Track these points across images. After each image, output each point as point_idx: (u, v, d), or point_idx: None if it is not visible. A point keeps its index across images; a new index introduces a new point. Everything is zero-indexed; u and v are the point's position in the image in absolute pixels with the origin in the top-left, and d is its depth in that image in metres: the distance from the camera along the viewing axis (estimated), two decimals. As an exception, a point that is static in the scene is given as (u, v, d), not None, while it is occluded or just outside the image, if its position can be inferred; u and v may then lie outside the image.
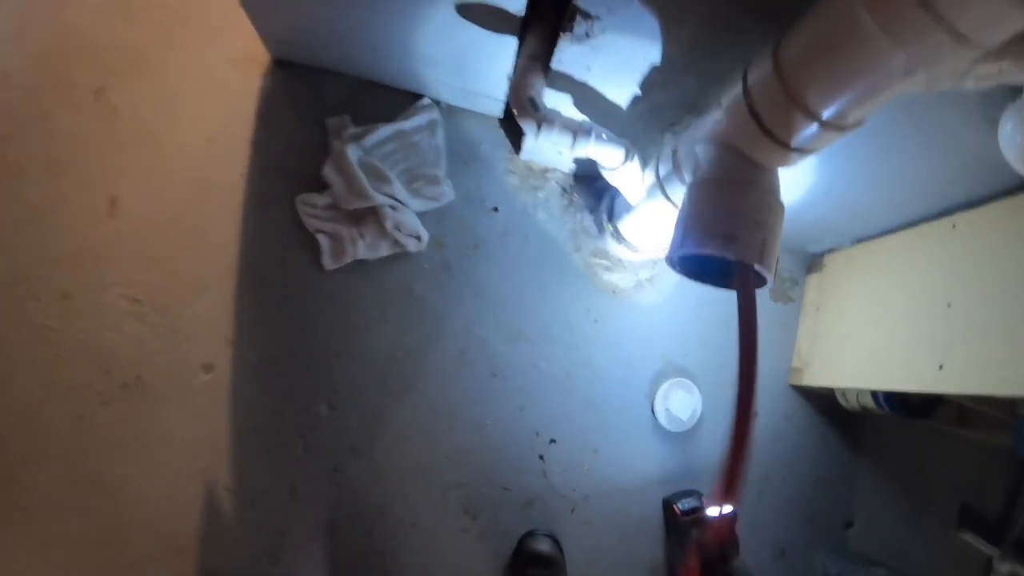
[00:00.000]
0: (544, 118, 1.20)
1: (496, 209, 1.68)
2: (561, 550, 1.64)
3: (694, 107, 1.28)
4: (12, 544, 1.41)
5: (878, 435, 1.97)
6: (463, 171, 1.67)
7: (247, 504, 1.51)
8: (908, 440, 1.99)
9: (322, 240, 1.55)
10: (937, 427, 1.76)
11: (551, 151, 1.62)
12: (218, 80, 1.58)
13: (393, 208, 1.54)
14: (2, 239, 1.46)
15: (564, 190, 1.73)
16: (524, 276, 1.69)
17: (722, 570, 1.03)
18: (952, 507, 2.03)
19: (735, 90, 0.96)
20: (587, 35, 1.10)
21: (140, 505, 1.47)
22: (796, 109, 0.85)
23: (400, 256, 1.60)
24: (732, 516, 1.05)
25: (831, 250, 1.87)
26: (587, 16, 1.07)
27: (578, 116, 1.35)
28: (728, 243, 0.93)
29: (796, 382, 1.86)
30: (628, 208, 1.50)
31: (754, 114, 0.91)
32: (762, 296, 1.88)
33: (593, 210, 1.73)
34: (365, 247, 1.55)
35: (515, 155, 1.69)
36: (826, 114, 0.84)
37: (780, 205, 0.99)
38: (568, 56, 1.19)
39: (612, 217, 1.64)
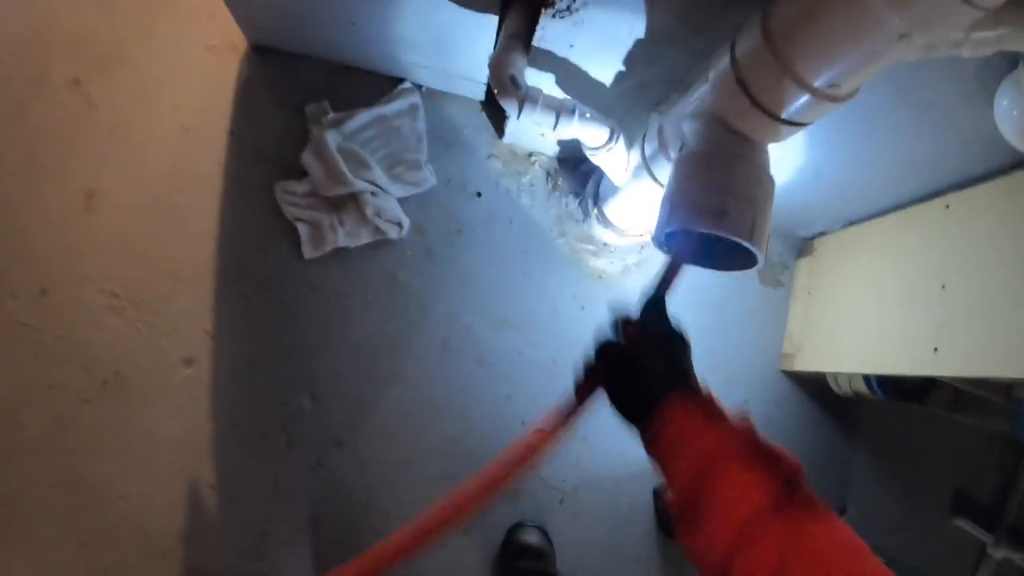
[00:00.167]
0: (526, 97, 1.17)
1: (479, 194, 1.67)
2: (550, 541, 1.63)
3: (680, 84, 1.26)
4: (-4, 546, 1.40)
5: (872, 420, 1.97)
6: (445, 156, 1.65)
7: (230, 501, 1.50)
8: (902, 425, 1.99)
9: (302, 228, 1.53)
10: (931, 412, 1.75)
11: (534, 134, 1.60)
12: (195, 68, 1.56)
13: (374, 194, 1.52)
14: (-26, 233, 1.43)
15: (549, 174, 1.71)
16: (509, 262, 1.67)
17: None
18: (946, 493, 2.03)
19: (723, 61, 0.93)
20: (569, 9, 1.07)
21: (123, 504, 1.45)
22: (787, 78, 0.82)
23: (381, 243, 1.58)
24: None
25: (822, 234, 1.86)
26: (567, -11, 1.04)
27: (561, 95, 1.32)
28: (718, 219, 0.90)
29: (787, 367, 1.85)
30: (614, 190, 1.47)
31: (743, 85, 0.88)
32: (752, 281, 1.88)
33: (578, 194, 1.71)
34: (345, 235, 1.53)
35: (498, 139, 1.68)
36: (818, 83, 0.81)
37: (771, 181, 0.96)
38: (550, 33, 1.16)
39: (598, 200, 1.61)
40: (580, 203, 1.71)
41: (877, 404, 1.86)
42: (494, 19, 1.24)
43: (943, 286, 1.38)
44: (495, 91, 1.19)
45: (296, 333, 1.55)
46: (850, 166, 1.47)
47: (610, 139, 1.28)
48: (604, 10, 1.08)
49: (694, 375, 0.89)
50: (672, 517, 0.77)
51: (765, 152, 0.96)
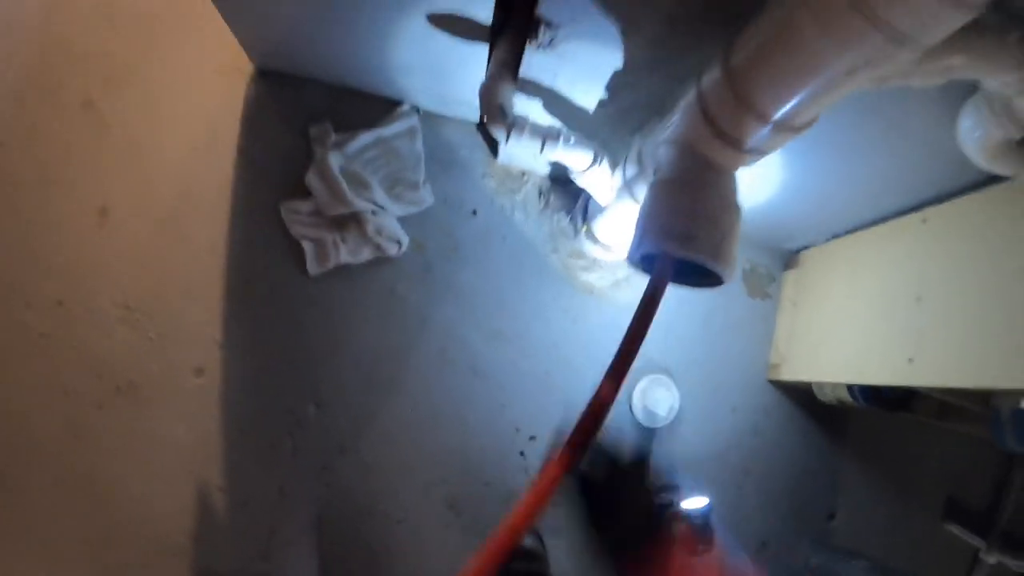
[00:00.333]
0: (513, 124, 1.23)
1: (475, 212, 1.72)
2: (544, 544, 1.66)
3: (660, 109, 1.31)
4: (8, 547, 1.44)
5: (860, 428, 2.00)
6: (442, 175, 1.70)
7: (238, 504, 1.54)
8: (892, 432, 2.01)
9: (306, 246, 1.58)
10: (919, 419, 1.78)
11: (527, 154, 1.66)
12: (203, 90, 1.61)
13: (374, 213, 1.57)
14: (-7, 247, 1.48)
15: (541, 192, 1.76)
16: (503, 277, 1.72)
17: None
18: (937, 499, 2.04)
19: (691, 94, 0.99)
20: (551, 43, 1.13)
21: (134, 507, 1.49)
22: (746, 112, 0.87)
23: (382, 260, 1.63)
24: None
25: (807, 247, 1.89)
26: (551, 25, 1.10)
27: (548, 120, 1.38)
28: (684, 242, 0.96)
29: (774, 377, 1.89)
30: (600, 209, 1.53)
31: (708, 117, 0.93)
32: (739, 293, 1.92)
33: (569, 211, 1.76)
34: (348, 252, 1.58)
35: (493, 159, 1.73)
36: (775, 115, 0.87)
37: (737, 206, 1.01)
38: (535, 63, 1.22)
39: (586, 218, 1.67)
40: (571, 220, 1.75)
41: (865, 411, 1.89)
42: (484, 48, 1.29)
43: (919, 298, 1.41)
44: (485, 118, 1.25)
45: (301, 344, 1.59)
46: (829, 183, 1.51)
47: (593, 162, 1.34)
48: (584, 43, 1.14)
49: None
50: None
51: (732, 178, 1.02)
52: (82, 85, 1.57)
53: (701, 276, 1.02)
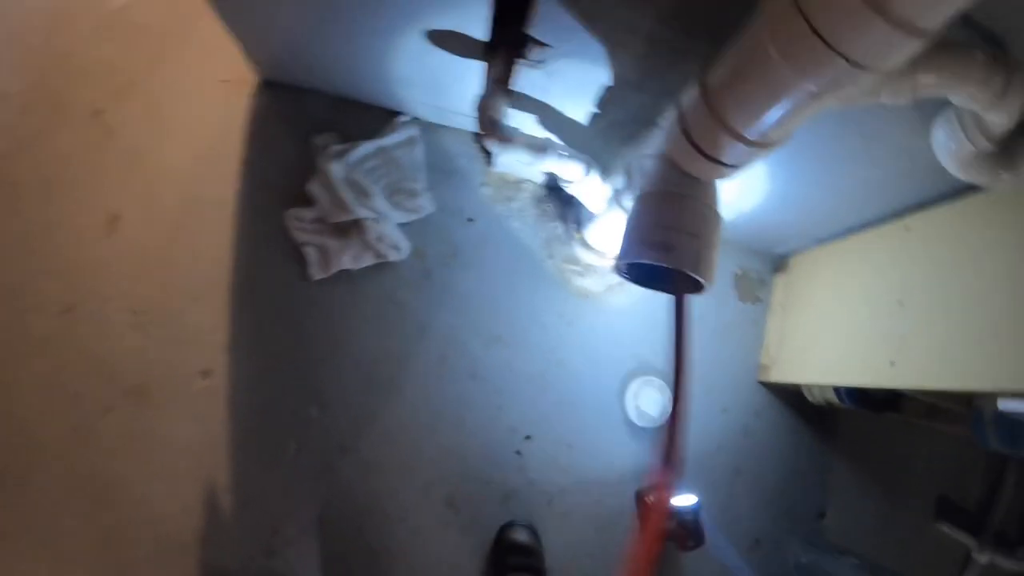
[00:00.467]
0: (506, 137, 1.28)
1: (472, 219, 1.76)
2: (539, 540, 1.71)
3: (647, 123, 1.35)
4: (12, 546, 1.47)
5: (851, 428, 2.03)
6: (441, 184, 1.74)
7: (243, 504, 1.57)
8: (881, 433, 2.05)
9: (309, 252, 1.62)
10: (907, 420, 1.82)
11: (521, 165, 1.70)
12: (207, 100, 1.65)
13: (375, 221, 1.61)
14: (5, 254, 1.52)
15: (537, 200, 1.81)
16: (500, 282, 1.76)
17: None
18: (929, 498, 2.05)
19: (672, 111, 1.04)
20: (541, 62, 1.17)
21: (141, 507, 1.52)
22: (721, 130, 0.92)
23: (383, 266, 1.67)
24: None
25: (796, 251, 1.94)
26: (540, 44, 1.15)
27: (541, 133, 1.42)
28: (665, 252, 1.02)
29: (764, 378, 1.93)
30: (592, 218, 1.58)
31: (687, 134, 0.98)
32: (731, 297, 1.97)
33: (564, 219, 1.81)
34: (350, 258, 1.62)
35: (490, 168, 1.77)
36: (749, 134, 0.91)
37: (717, 216, 1.06)
38: (527, 80, 1.27)
39: (580, 226, 1.72)
40: (565, 227, 1.80)
41: (854, 412, 1.92)
42: (481, 63, 1.32)
43: (901, 303, 1.45)
44: (480, 131, 1.30)
45: (304, 348, 1.63)
46: (813, 191, 1.55)
47: (585, 173, 1.38)
48: (573, 62, 1.19)
49: None
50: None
51: (712, 188, 1.07)
52: (89, 97, 1.61)
53: (680, 282, 1.07)
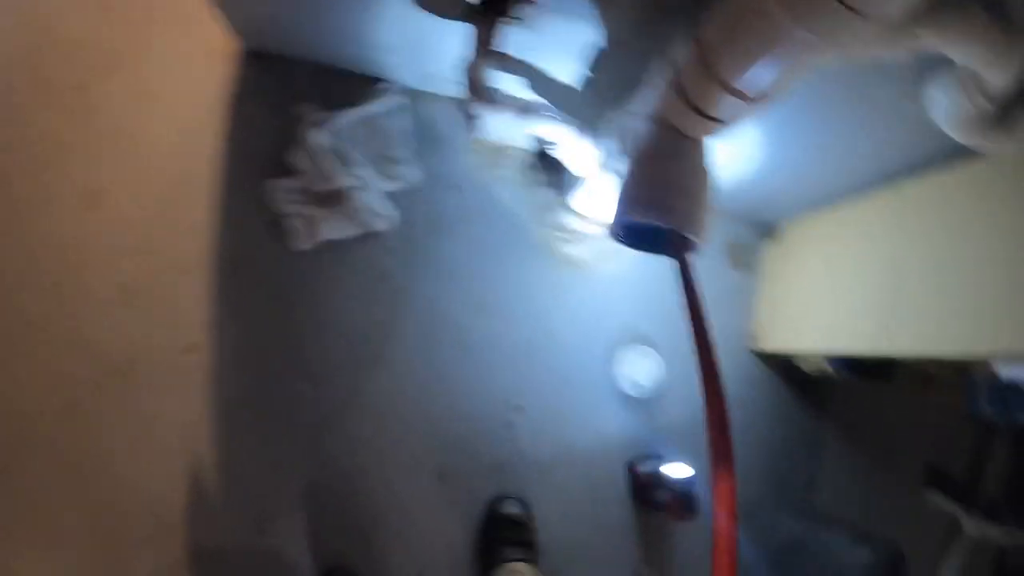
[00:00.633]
0: (492, 99, 1.25)
1: (459, 188, 1.74)
2: (531, 512, 1.71)
3: (640, 83, 1.32)
4: (7, 530, 1.45)
5: (843, 397, 2.03)
6: (428, 151, 1.71)
7: (234, 480, 1.56)
8: (873, 402, 2.04)
9: (293, 223, 1.59)
10: (899, 390, 1.82)
11: (509, 130, 1.68)
12: (190, 73, 1.62)
13: (360, 190, 1.59)
14: (-11, 232, 1.49)
15: (525, 167, 1.78)
16: (487, 251, 1.74)
17: None
18: (918, 467, 2.07)
19: (665, 68, 1.02)
20: (526, 19, 1.15)
21: (132, 486, 1.51)
22: (716, 84, 0.89)
23: (368, 235, 1.65)
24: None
25: (788, 219, 1.92)
26: (529, 1, 1.12)
27: (530, 96, 1.40)
28: (659, 211, 1.00)
29: (756, 347, 1.92)
30: (582, 183, 1.56)
31: (681, 91, 0.95)
32: (722, 265, 1.96)
33: (552, 185, 1.78)
34: (334, 228, 1.60)
35: (476, 135, 1.74)
36: (744, 88, 0.88)
37: (710, 174, 1.04)
38: (513, 39, 1.23)
39: (569, 192, 1.69)
40: (554, 194, 1.77)
41: (846, 382, 1.93)
42: (464, 25, 1.30)
43: (895, 270, 1.44)
44: (466, 94, 1.28)
45: (290, 320, 1.61)
46: (805, 156, 1.53)
47: (575, 137, 1.36)
48: (560, 18, 1.17)
49: None
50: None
51: (704, 147, 1.05)
52: (71, 72, 1.57)
53: (680, 244, 1.04)
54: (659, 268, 1.84)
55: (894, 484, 2.05)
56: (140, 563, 1.51)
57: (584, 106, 1.41)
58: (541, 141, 1.64)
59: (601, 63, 1.28)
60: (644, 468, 1.75)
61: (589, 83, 1.35)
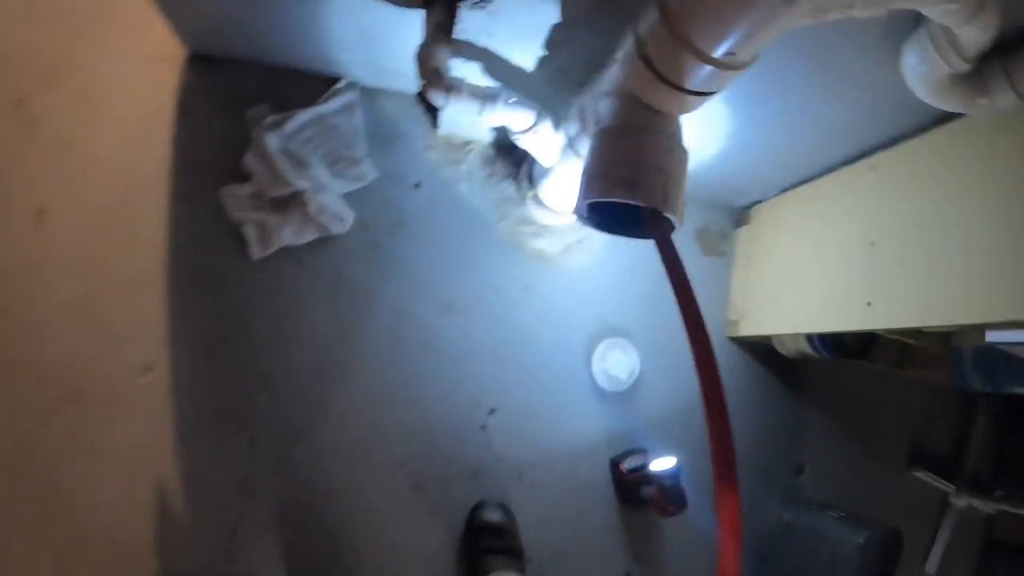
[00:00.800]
0: (450, 87, 1.21)
1: (418, 185, 1.69)
2: (513, 517, 1.66)
3: (600, 65, 1.29)
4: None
5: (822, 379, 2.02)
6: (384, 150, 1.67)
7: (199, 502, 1.51)
8: (852, 382, 2.04)
9: (248, 230, 1.54)
10: (879, 368, 1.80)
11: (468, 122, 1.63)
12: (136, 79, 1.56)
13: (316, 192, 1.53)
14: (-74, 259, 1.42)
15: (485, 161, 1.74)
16: (451, 249, 1.70)
17: None
18: (902, 446, 2.09)
19: (628, 40, 0.97)
20: (482, 2, 1.10)
21: (95, 513, 1.45)
22: (685, 51, 0.85)
23: (326, 239, 1.60)
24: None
25: (758, 202, 1.90)
26: (483, -19, 1.08)
27: (488, 82, 1.35)
28: (631, 189, 0.95)
29: (733, 334, 1.89)
30: (545, 172, 1.51)
31: (647, 61, 0.91)
32: (693, 252, 1.92)
33: (515, 178, 1.74)
34: (291, 233, 1.55)
35: (434, 130, 1.70)
36: (716, 53, 0.84)
37: (683, 150, 1.00)
38: (470, 24, 1.19)
39: (532, 183, 1.65)
40: (517, 187, 1.73)
41: (825, 363, 1.91)
42: (419, 13, 1.26)
43: (873, 243, 1.43)
44: (422, 83, 1.23)
45: (249, 332, 1.56)
46: (775, 134, 1.50)
47: (536, 122, 1.31)
48: (517, 1, 1.12)
49: None
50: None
51: (676, 122, 1.01)
52: (11, 85, 1.51)
53: (654, 224, 1.00)
54: (631, 257, 1.81)
55: (880, 464, 2.07)
56: (105, 595, 1.45)
57: (544, 91, 1.38)
58: (503, 132, 1.59)
59: (560, 45, 1.25)
60: (627, 464, 1.71)
61: (549, 66, 1.32)
